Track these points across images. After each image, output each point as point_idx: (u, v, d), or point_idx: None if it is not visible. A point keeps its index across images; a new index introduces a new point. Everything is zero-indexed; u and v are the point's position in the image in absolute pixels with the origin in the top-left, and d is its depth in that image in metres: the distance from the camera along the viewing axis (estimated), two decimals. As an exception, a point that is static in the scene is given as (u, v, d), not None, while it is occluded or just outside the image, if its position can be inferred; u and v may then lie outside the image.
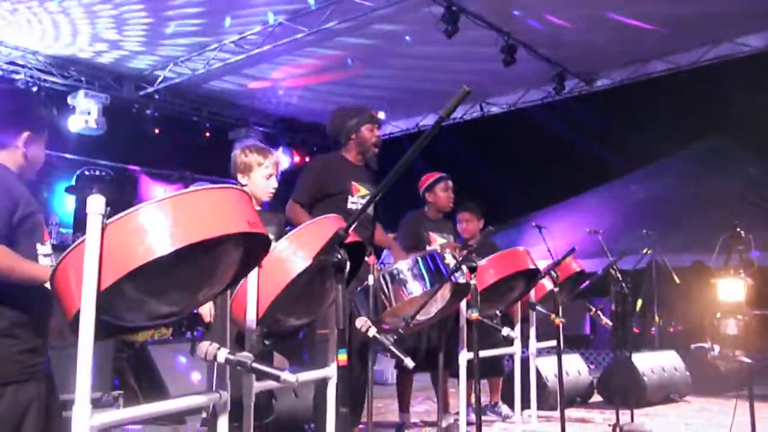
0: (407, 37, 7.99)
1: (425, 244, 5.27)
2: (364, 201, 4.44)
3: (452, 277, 3.65)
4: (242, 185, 3.56)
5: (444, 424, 5.21)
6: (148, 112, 9.55)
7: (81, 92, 8.86)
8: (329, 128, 4.64)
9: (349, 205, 4.39)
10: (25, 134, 2.71)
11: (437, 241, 5.29)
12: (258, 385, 2.72)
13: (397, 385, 5.51)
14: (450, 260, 3.82)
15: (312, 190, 4.38)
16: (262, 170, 3.58)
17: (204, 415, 3.50)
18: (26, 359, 2.72)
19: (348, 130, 4.54)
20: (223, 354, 2.04)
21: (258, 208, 3.63)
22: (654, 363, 6.69)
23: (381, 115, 4.64)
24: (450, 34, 7.48)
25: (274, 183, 3.61)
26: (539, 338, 5.50)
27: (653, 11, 7.76)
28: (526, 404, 5.37)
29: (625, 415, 5.11)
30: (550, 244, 6.80)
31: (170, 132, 9.90)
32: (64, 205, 8.69)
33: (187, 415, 5.81)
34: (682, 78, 9.30)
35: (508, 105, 10.65)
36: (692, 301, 9.34)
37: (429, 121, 11.01)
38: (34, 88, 8.51)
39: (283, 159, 11.13)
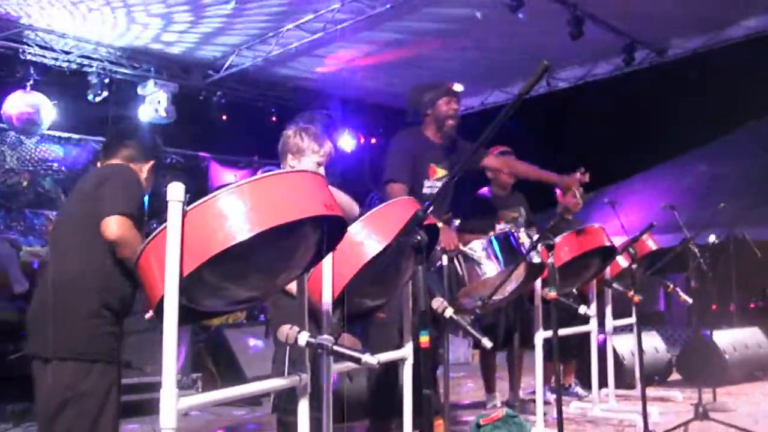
0: (477, 14, 7.85)
1: (494, 225, 5.18)
2: (439, 184, 4.37)
3: (528, 257, 3.60)
4: (290, 167, 3.50)
5: (489, 405, 5.17)
6: (215, 99, 9.67)
7: (150, 82, 9.01)
8: (408, 105, 4.56)
9: (424, 190, 4.29)
10: (151, 163, 3.23)
11: (509, 216, 5.20)
12: (335, 367, 2.74)
13: (481, 366, 5.48)
14: (525, 239, 3.76)
15: (409, 166, 4.22)
16: (315, 157, 3.51)
17: (272, 400, 3.53)
18: (111, 342, 2.86)
19: (424, 106, 4.40)
20: (303, 337, 2.04)
21: None
22: (736, 340, 6.48)
23: (458, 87, 4.48)
24: (514, 8, 7.33)
25: (322, 172, 3.56)
26: (614, 316, 5.40)
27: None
28: (602, 383, 5.28)
29: (706, 394, 4.97)
30: (623, 219, 6.66)
31: (237, 118, 10.00)
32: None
33: (262, 396, 5.92)
34: (759, 45, 8.91)
35: (575, 79, 10.42)
36: (774, 275, 9.03)
37: (494, 98, 10.84)
38: (106, 80, 8.72)
39: (349, 141, 11.16)
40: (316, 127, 3.68)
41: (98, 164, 3.34)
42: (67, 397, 2.78)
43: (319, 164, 3.54)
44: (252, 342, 6.45)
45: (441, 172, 4.37)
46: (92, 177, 3.10)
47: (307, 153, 3.50)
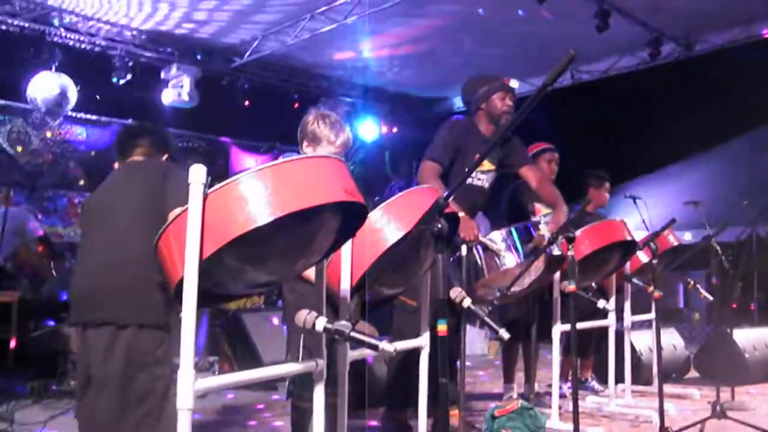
0: (480, 11, 7.80)
1: (530, 216, 5.14)
2: (485, 176, 4.34)
3: (547, 249, 3.58)
4: (305, 154, 3.37)
5: (505, 396, 5.16)
6: (238, 84, 9.69)
7: (174, 66, 9.05)
8: (462, 95, 4.51)
9: (468, 180, 4.24)
10: (165, 156, 3.40)
11: (542, 211, 5.18)
12: (352, 355, 2.74)
13: (502, 355, 5.46)
14: (545, 231, 3.73)
15: (450, 151, 4.14)
16: (330, 148, 3.38)
17: (287, 386, 3.54)
18: (173, 318, 2.95)
19: (478, 99, 4.35)
20: (321, 322, 2.04)
21: None
22: (756, 339, 6.41)
23: (514, 83, 4.41)
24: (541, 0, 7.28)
25: None
26: (632, 312, 5.37)
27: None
28: (619, 379, 5.26)
29: (724, 393, 4.93)
30: (645, 215, 6.60)
31: (260, 104, 10.02)
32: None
33: (278, 381, 5.95)
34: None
35: (600, 72, 10.33)
36: (797, 275, 8.91)
37: (518, 90, 10.76)
38: (130, 63, 8.76)
39: (371, 130, 11.14)
40: (337, 114, 3.60)
41: (115, 165, 3.43)
42: (145, 362, 2.90)
43: (337, 155, 3.45)
44: (269, 326, 6.47)
45: (488, 166, 4.34)
46: (153, 169, 3.21)
47: (323, 142, 3.38)
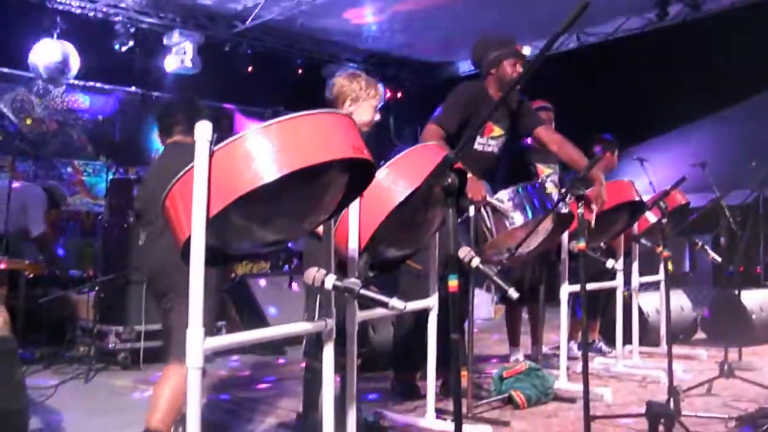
0: None
1: (532, 177, 5.09)
2: (495, 142, 4.29)
3: (556, 207, 3.55)
4: (348, 113, 3.50)
5: (512, 359, 5.16)
6: (241, 50, 9.62)
7: (176, 32, 8.96)
8: (472, 58, 4.44)
9: (476, 146, 4.21)
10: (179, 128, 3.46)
11: (545, 172, 5.14)
12: (361, 314, 2.74)
13: (506, 320, 5.45)
14: (552, 190, 3.70)
15: (459, 118, 4.08)
16: (373, 101, 3.51)
17: (304, 346, 3.55)
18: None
19: (489, 63, 4.27)
20: (330, 280, 2.02)
21: None
22: (763, 300, 6.40)
23: (526, 50, 4.33)
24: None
25: (378, 116, 3.54)
26: (640, 275, 5.35)
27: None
28: (627, 340, 5.26)
29: (732, 353, 4.93)
30: (652, 178, 6.56)
31: (264, 70, 9.94)
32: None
33: (286, 345, 5.98)
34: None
35: (606, 34, 10.22)
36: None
37: (526, 51, 10.65)
38: (132, 30, 8.69)
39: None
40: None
41: (162, 143, 3.62)
42: None
43: (375, 108, 3.53)
44: (276, 291, 6.48)
45: (498, 131, 4.28)
46: (191, 153, 3.35)
47: (365, 98, 3.49)
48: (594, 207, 3.95)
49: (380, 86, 3.60)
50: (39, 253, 6.48)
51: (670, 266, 4.17)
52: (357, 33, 10.04)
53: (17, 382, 3.04)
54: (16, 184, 6.54)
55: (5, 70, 8.61)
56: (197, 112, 3.46)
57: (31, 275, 5.92)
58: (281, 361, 5.79)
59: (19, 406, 2.93)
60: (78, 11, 8.32)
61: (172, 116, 3.49)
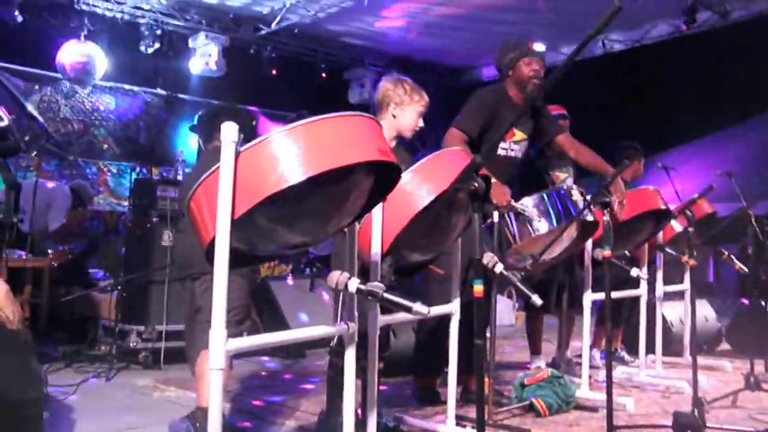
0: None
1: (548, 184, 5.06)
2: (518, 147, 4.26)
3: (582, 215, 3.52)
4: (393, 116, 3.57)
5: (533, 366, 5.10)
6: (265, 53, 9.66)
7: (201, 34, 9.01)
8: (495, 63, 4.42)
9: (499, 150, 4.17)
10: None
11: (560, 177, 5.10)
12: (383, 319, 2.72)
13: (527, 328, 5.39)
14: (577, 197, 3.66)
15: (482, 122, 4.07)
16: (418, 107, 3.59)
17: (331, 343, 3.55)
18: None
19: (506, 65, 4.24)
20: (354, 283, 2.01)
21: (393, 143, 3.61)
22: (789, 312, 6.30)
23: (539, 46, 4.27)
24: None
25: (421, 122, 3.57)
26: (663, 284, 5.29)
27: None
28: (649, 349, 5.20)
29: (758, 366, 4.85)
30: (677, 186, 6.48)
31: (287, 73, 9.98)
32: (188, 144, 8.98)
33: (307, 348, 5.97)
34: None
35: (632, 41, 10.14)
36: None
37: (551, 57, 10.60)
38: (158, 31, 8.75)
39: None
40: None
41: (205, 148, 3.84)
42: None
43: (420, 114, 3.58)
44: (297, 295, 6.48)
45: (520, 135, 4.24)
46: None
47: (410, 103, 3.57)
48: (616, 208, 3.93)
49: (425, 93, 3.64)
50: (59, 244, 6.57)
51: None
52: (381, 37, 10.04)
53: (33, 373, 3.05)
54: (50, 184, 6.63)
55: (33, 70, 8.69)
56: (239, 121, 3.57)
57: (56, 264, 6.01)
58: (303, 364, 5.77)
59: (35, 395, 2.93)
60: (105, 13, 8.40)
61: (214, 122, 3.60)
